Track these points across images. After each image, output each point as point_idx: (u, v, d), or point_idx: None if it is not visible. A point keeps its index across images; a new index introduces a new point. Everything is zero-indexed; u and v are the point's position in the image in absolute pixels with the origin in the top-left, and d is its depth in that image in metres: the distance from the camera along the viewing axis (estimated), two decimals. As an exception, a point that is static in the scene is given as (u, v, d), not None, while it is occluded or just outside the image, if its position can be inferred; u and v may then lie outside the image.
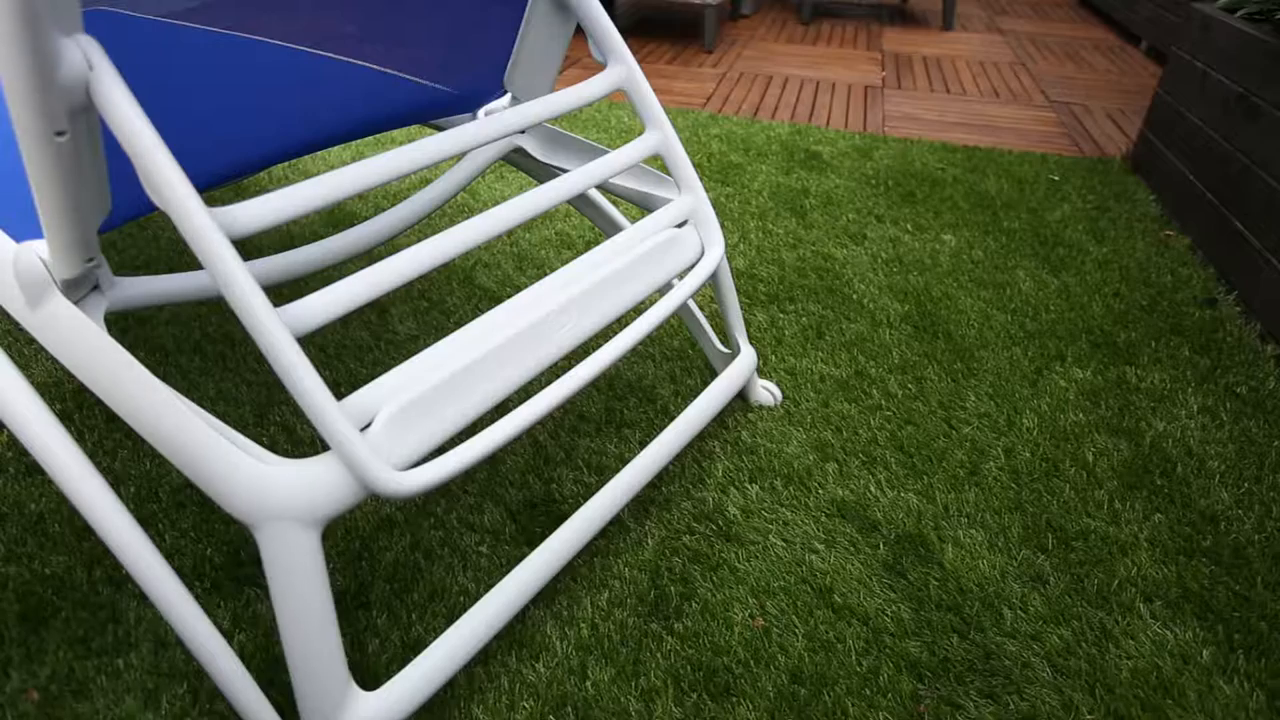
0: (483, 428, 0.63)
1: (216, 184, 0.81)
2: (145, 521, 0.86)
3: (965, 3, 3.99)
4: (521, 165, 1.05)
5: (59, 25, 0.43)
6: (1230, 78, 1.48)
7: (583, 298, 0.73)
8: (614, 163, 0.79)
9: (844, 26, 3.44)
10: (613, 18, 1.10)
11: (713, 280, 0.98)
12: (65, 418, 1.00)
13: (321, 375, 0.95)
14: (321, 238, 0.91)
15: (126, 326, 1.19)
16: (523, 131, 0.98)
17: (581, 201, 1.06)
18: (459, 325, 1.21)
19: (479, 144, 0.69)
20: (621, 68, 0.81)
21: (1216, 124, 1.51)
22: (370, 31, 0.71)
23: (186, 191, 0.48)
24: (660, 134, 0.83)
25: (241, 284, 0.50)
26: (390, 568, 0.82)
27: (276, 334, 0.51)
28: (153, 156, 0.47)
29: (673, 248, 0.83)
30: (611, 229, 1.06)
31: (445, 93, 0.90)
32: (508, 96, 0.96)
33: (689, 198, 0.85)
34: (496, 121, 0.71)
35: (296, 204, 0.57)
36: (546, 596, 0.79)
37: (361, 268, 0.64)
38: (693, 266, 0.86)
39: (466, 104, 0.96)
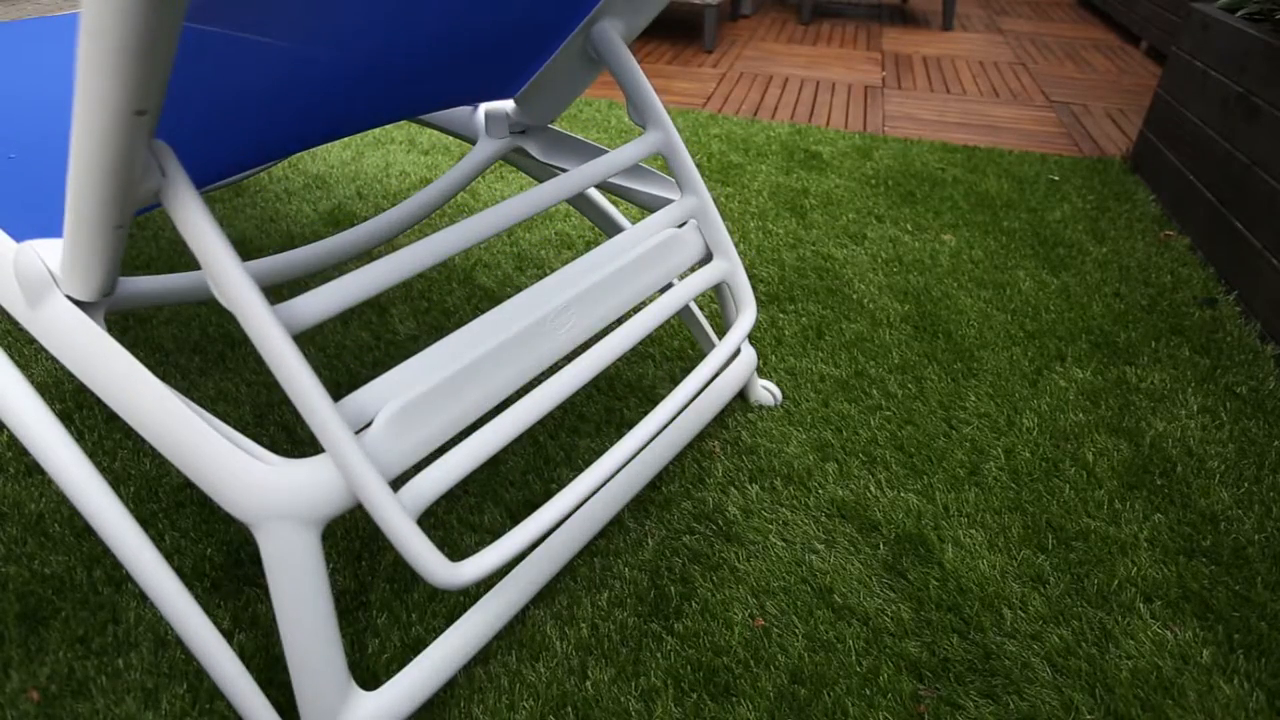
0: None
1: (224, 177, 0.81)
2: (145, 521, 0.86)
3: (965, 3, 3.99)
4: (521, 165, 1.05)
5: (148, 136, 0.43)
6: (1230, 78, 1.48)
7: (583, 297, 0.73)
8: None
9: (844, 26, 3.44)
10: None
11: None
12: (65, 418, 1.00)
13: (321, 376, 0.95)
14: (322, 238, 0.91)
15: (126, 326, 1.19)
16: (524, 132, 0.98)
17: (582, 202, 1.06)
18: (459, 325, 1.21)
19: (544, 207, 0.72)
20: (660, 133, 0.83)
21: (1216, 124, 1.51)
22: (401, 47, 0.71)
23: (253, 296, 0.50)
24: (696, 199, 0.84)
25: (304, 380, 0.51)
26: (390, 568, 0.82)
27: (352, 455, 0.52)
28: (223, 264, 0.49)
29: (673, 248, 0.83)
30: (612, 229, 1.06)
31: (454, 90, 0.90)
32: (509, 102, 0.96)
33: (723, 263, 0.86)
34: (570, 180, 0.74)
35: (353, 293, 0.59)
36: (546, 596, 0.79)
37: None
38: (695, 266, 0.86)
39: (466, 100, 0.96)
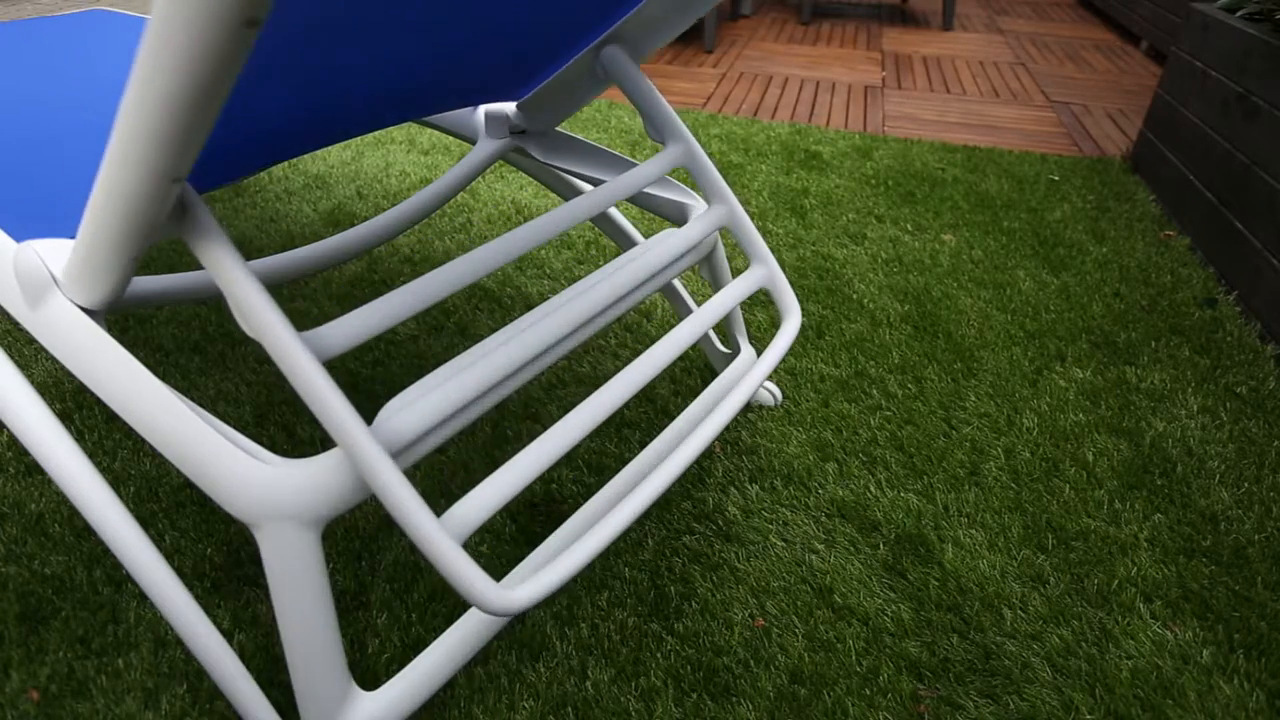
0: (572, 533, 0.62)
1: (229, 181, 0.81)
2: (145, 521, 0.86)
3: (965, 3, 3.99)
4: (521, 165, 1.05)
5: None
6: (1230, 78, 1.48)
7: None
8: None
9: (844, 26, 3.44)
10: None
11: (713, 279, 0.98)
12: (65, 418, 1.00)
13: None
14: (322, 238, 0.91)
15: (126, 326, 1.19)
16: (524, 131, 0.98)
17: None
18: (459, 325, 1.21)
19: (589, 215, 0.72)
20: (681, 146, 0.82)
21: (1216, 124, 1.50)
22: (426, 62, 0.70)
23: (279, 322, 0.50)
24: (725, 208, 0.83)
25: (333, 403, 0.51)
26: (390, 568, 0.82)
27: (378, 460, 0.51)
28: (247, 294, 0.50)
29: (674, 248, 0.83)
30: (613, 231, 1.07)
31: (461, 97, 0.90)
32: (512, 105, 0.97)
33: (761, 269, 0.85)
34: (598, 196, 0.73)
35: (379, 320, 0.58)
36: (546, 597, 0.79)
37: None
38: (693, 259, 0.85)
39: (471, 103, 0.96)
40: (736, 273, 0.87)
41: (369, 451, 0.51)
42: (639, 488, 0.64)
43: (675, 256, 0.77)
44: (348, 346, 0.55)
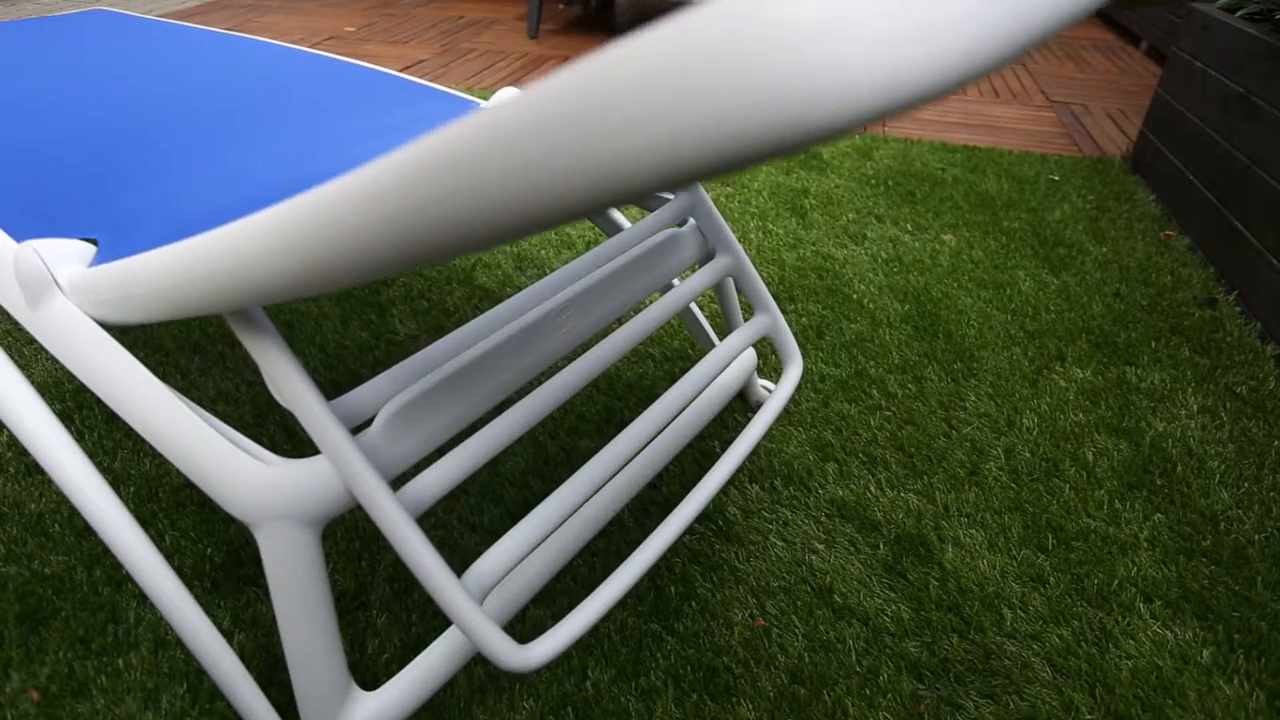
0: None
1: None
2: (145, 521, 0.86)
3: (965, 3, 3.99)
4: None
5: None
6: (1230, 78, 1.48)
7: (582, 297, 0.73)
8: (689, 289, 0.80)
9: (844, 26, 3.44)
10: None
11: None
12: (65, 418, 1.00)
13: (322, 375, 0.95)
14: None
15: (126, 327, 1.19)
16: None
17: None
18: (459, 325, 1.21)
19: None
20: (689, 195, 0.84)
21: (1216, 124, 1.50)
22: None
23: (312, 394, 0.52)
24: (732, 258, 0.85)
25: (365, 476, 0.52)
26: (390, 568, 0.82)
27: (404, 527, 0.52)
28: (285, 374, 0.52)
29: (673, 248, 0.83)
30: (612, 229, 1.06)
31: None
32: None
33: (765, 318, 0.86)
34: (611, 245, 0.76)
35: (407, 379, 0.59)
36: (546, 596, 0.79)
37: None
38: (697, 264, 0.86)
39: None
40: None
41: (402, 528, 0.52)
42: (643, 548, 0.66)
43: (683, 303, 0.79)
44: (376, 409, 0.57)
